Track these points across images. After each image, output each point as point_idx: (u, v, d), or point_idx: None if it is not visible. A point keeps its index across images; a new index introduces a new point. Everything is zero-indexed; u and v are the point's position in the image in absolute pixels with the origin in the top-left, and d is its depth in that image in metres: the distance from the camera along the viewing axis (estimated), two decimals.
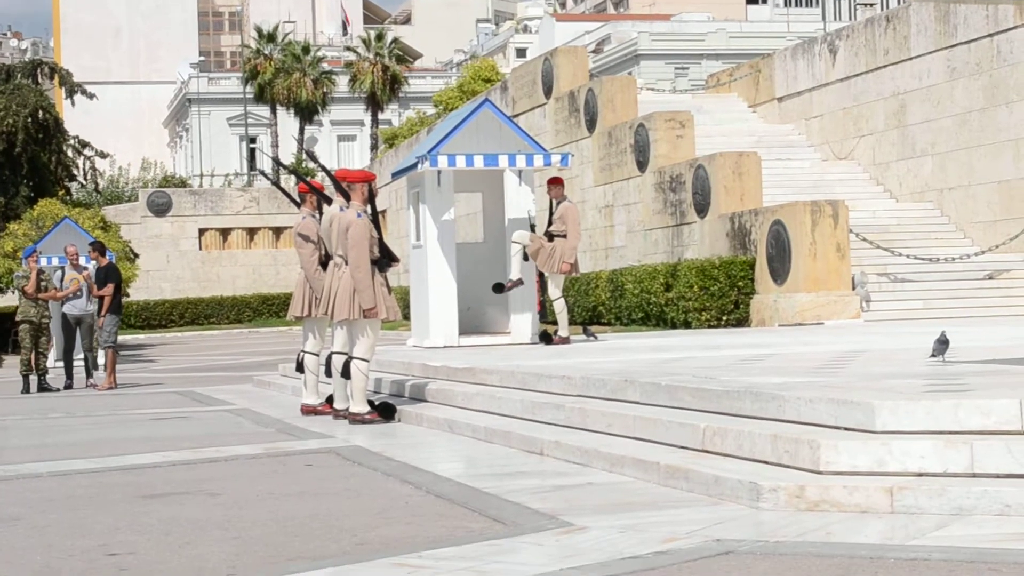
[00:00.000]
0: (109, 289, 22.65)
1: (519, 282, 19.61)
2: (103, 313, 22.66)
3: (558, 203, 19.66)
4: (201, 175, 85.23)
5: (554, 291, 19.64)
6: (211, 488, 9.70)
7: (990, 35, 27.72)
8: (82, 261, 25.43)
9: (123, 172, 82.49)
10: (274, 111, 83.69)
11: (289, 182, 58.03)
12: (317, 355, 15.57)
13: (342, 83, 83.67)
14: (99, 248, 23.81)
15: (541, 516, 7.79)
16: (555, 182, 19.86)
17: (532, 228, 19.87)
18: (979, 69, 28.07)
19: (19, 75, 54.57)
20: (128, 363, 32.33)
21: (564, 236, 19.34)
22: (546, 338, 19.74)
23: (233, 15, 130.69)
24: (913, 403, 8.06)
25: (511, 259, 19.61)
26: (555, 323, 20.08)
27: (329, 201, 14.56)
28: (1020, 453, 7.46)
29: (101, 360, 24.52)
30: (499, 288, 19.82)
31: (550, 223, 19.55)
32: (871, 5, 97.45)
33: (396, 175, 22.05)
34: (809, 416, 8.59)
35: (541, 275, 20.16)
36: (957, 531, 6.85)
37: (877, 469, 7.67)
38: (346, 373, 13.83)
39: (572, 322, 22.14)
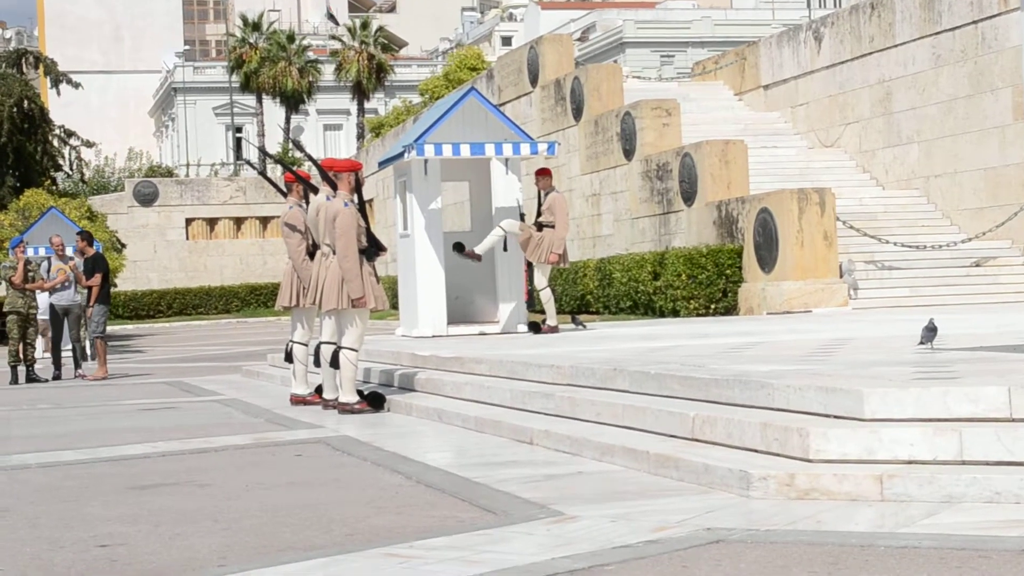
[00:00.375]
0: (97, 279, 22.63)
1: (478, 257, 19.64)
2: (91, 303, 22.64)
3: (546, 194, 19.71)
4: (187, 165, 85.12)
5: (540, 280, 19.67)
6: (201, 479, 9.70)
7: (974, 22, 27.74)
8: (68, 251, 25.38)
9: (109, 162, 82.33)
10: (260, 100, 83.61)
11: (275, 171, 57.97)
12: (306, 345, 15.57)
13: (328, 72, 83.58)
14: (87, 238, 23.80)
15: (532, 505, 7.79)
16: (543, 173, 19.92)
17: (521, 217, 19.90)
18: (964, 56, 28.10)
19: (3, 65, 54.45)
20: (116, 353, 32.26)
21: (553, 226, 19.39)
22: (535, 327, 19.78)
23: (218, 4, 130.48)
24: (902, 391, 8.07)
25: (488, 237, 19.63)
26: (543, 312, 20.12)
27: (316, 190, 14.55)
28: (1009, 440, 7.48)
29: (89, 350, 24.47)
30: (459, 247, 19.81)
31: (539, 213, 19.60)
32: None
33: (383, 164, 22.03)
34: (798, 404, 8.60)
35: (529, 264, 20.18)
36: (947, 519, 6.86)
37: (866, 457, 7.68)
38: (335, 363, 13.82)
39: (560, 311, 22.18)
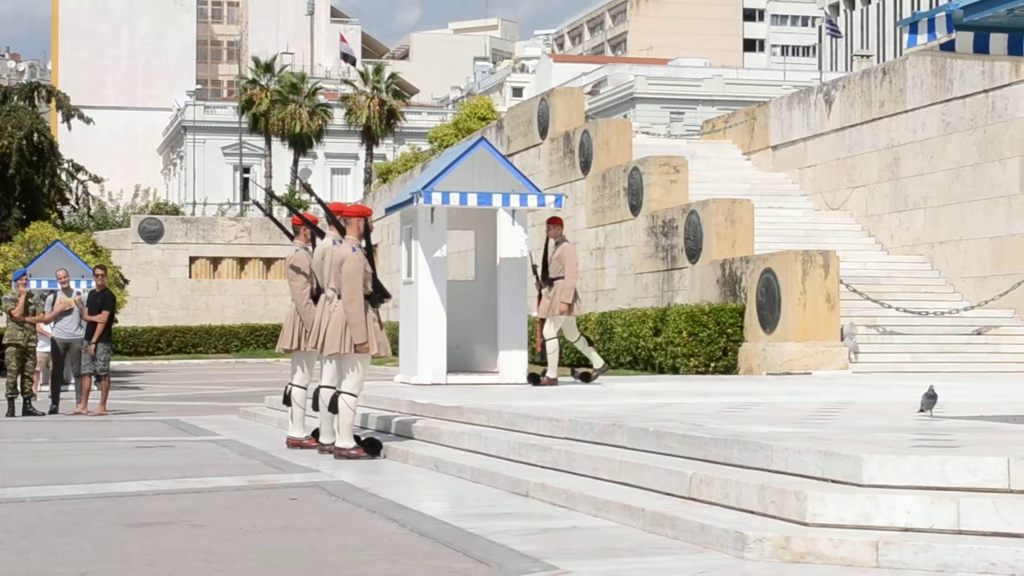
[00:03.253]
0: (104, 316, 22.61)
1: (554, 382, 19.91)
2: (95, 340, 22.57)
3: (556, 243, 19.70)
4: (194, 203, 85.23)
5: (549, 330, 19.66)
6: (195, 519, 9.67)
7: (985, 91, 27.83)
8: (72, 285, 25.31)
9: (115, 198, 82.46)
10: (269, 142, 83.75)
11: (281, 213, 58.00)
12: (305, 388, 15.54)
13: (338, 116, 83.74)
14: (105, 271, 23.88)
15: (526, 559, 7.76)
16: (554, 222, 19.94)
17: (535, 270, 19.95)
18: (974, 124, 28.17)
19: (16, 97, 54.56)
20: (114, 390, 32.16)
21: (563, 278, 19.40)
22: (534, 379, 19.76)
23: (231, 45, 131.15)
24: (901, 458, 8.06)
25: (551, 356, 19.81)
26: (545, 364, 20.11)
27: (322, 234, 14.57)
28: (1007, 511, 7.46)
29: (70, 387, 24.33)
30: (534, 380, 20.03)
31: (545, 264, 19.59)
32: (868, 57, 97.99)
33: (390, 210, 22.07)
34: (796, 467, 8.59)
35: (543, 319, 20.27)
36: None
37: (863, 523, 7.66)
38: (333, 407, 13.80)
39: (560, 364, 22.15)
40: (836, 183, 33.53)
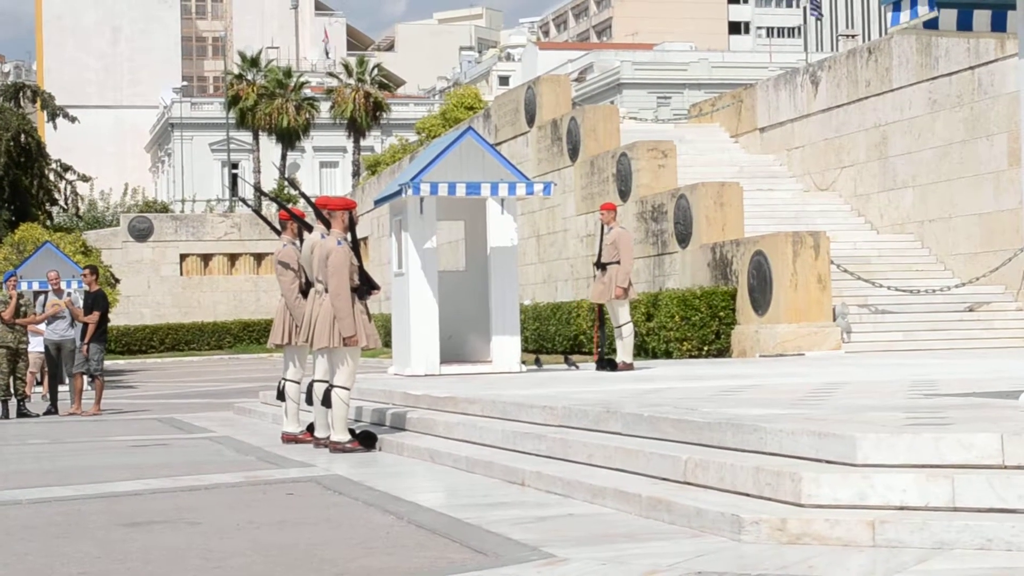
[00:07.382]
0: (95, 317, 22.57)
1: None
2: (87, 340, 22.54)
3: (609, 229, 19.70)
4: (183, 200, 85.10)
5: (624, 315, 19.66)
6: (191, 517, 9.66)
7: (971, 68, 27.84)
8: (63, 286, 25.28)
9: (105, 196, 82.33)
10: (256, 137, 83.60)
11: (270, 209, 57.96)
12: (298, 383, 15.52)
13: (324, 109, 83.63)
14: (95, 272, 23.79)
15: (523, 547, 7.77)
16: (608, 207, 19.97)
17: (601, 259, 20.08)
18: (960, 102, 28.18)
19: (1, 98, 54.48)
20: (108, 389, 32.15)
21: (618, 263, 19.43)
22: (611, 365, 19.75)
23: (216, 40, 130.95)
24: (895, 436, 8.06)
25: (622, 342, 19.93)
26: (615, 351, 20.18)
27: (310, 229, 14.56)
28: (1001, 487, 7.47)
29: (68, 385, 24.31)
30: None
31: (600, 251, 19.60)
32: (853, 37, 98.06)
33: (379, 202, 22.05)
34: (791, 448, 8.59)
35: (600, 307, 20.33)
36: (938, 565, 6.85)
37: (859, 502, 7.67)
38: (327, 401, 13.80)
39: (553, 351, 22.19)
40: (824, 164, 33.55)
